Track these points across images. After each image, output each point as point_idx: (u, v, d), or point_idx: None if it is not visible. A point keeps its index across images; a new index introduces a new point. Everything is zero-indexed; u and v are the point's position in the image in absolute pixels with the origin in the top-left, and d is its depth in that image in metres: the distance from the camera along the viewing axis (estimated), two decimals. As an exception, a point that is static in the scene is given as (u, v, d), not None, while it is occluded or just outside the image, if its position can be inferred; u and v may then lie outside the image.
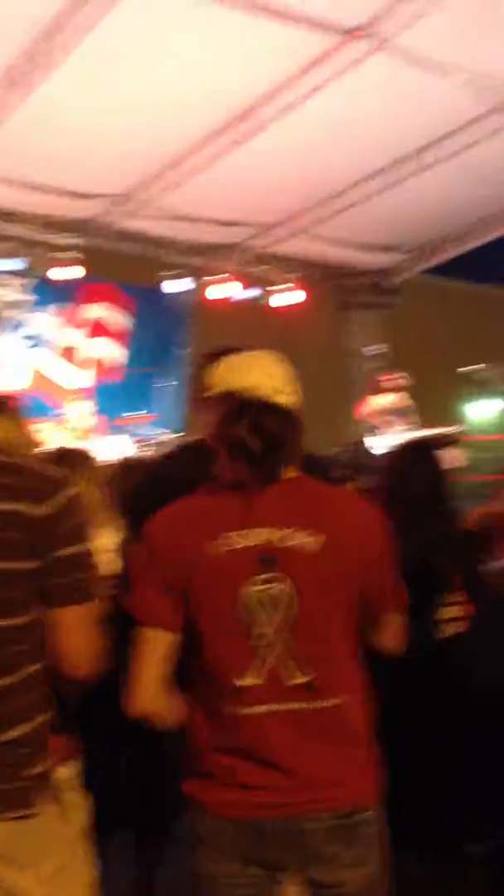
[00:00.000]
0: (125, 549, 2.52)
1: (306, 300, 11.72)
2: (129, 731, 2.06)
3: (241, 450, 1.81)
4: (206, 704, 1.83)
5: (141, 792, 2.84)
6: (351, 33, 6.59)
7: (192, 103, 7.48)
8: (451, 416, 11.92)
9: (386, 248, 11.84)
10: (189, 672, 1.85)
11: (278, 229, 10.67)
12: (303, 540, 1.78)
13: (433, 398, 10.90)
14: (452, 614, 2.75)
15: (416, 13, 6.26)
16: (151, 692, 1.80)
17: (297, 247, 11.21)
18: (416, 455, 3.03)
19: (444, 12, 6.22)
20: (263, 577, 1.76)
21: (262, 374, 1.85)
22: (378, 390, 10.18)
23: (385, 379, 10.29)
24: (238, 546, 1.77)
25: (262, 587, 1.75)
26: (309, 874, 1.84)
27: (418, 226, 11.11)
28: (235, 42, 6.62)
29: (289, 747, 1.79)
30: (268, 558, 1.76)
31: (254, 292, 11.45)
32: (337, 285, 12.62)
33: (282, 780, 1.80)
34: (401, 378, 10.25)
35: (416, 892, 2.59)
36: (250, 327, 10.96)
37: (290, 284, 11.63)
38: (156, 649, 1.80)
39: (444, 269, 12.84)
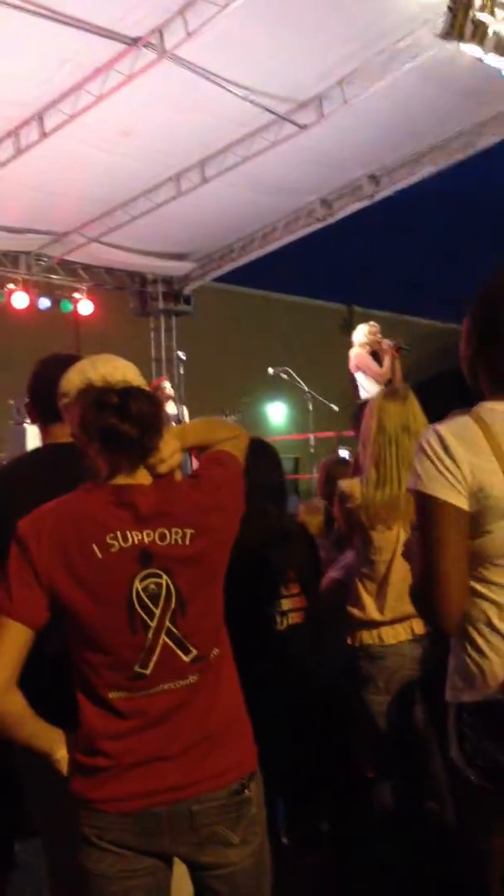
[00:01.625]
0: None
1: (106, 308, 11.86)
2: None
3: (114, 437, 1.82)
4: (98, 694, 1.86)
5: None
6: (136, 42, 6.86)
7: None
8: (246, 418, 12.37)
9: (178, 257, 12.22)
10: (79, 666, 1.88)
11: (73, 237, 10.76)
12: (175, 538, 1.86)
13: (227, 401, 11.30)
14: (289, 606, 2.94)
15: (192, 28, 6.61)
16: (2, 683, 1.81)
17: (93, 255, 11.35)
18: (258, 451, 3.20)
19: (218, 31, 6.59)
20: (144, 573, 1.83)
21: (111, 367, 1.95)
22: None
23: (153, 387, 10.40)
24: (118, 548, 1.83)
25: (143, 583, 1.83)
26: (199, 857, 1.89)
27: (206, 235, 11.55)
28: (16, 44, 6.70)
29: (179, 726, 1.87)
30: (145, 557, 1.84)
31: (48, 301, 11.45)
32: (134, 293, 12.87)
33: (171, 764, 1.85)
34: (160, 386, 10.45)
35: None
36: (47, 336, 10.99)
37: (87, 292, 11.75)
38: (15, 643, 1.82)
39: (233, 277, 13.36)
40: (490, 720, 1.85)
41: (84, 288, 11.87)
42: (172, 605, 1.86)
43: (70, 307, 11.70)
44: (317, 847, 3.06)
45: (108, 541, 1.83)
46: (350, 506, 3.03)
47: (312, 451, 9.80)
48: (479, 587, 1.88)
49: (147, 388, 1.96)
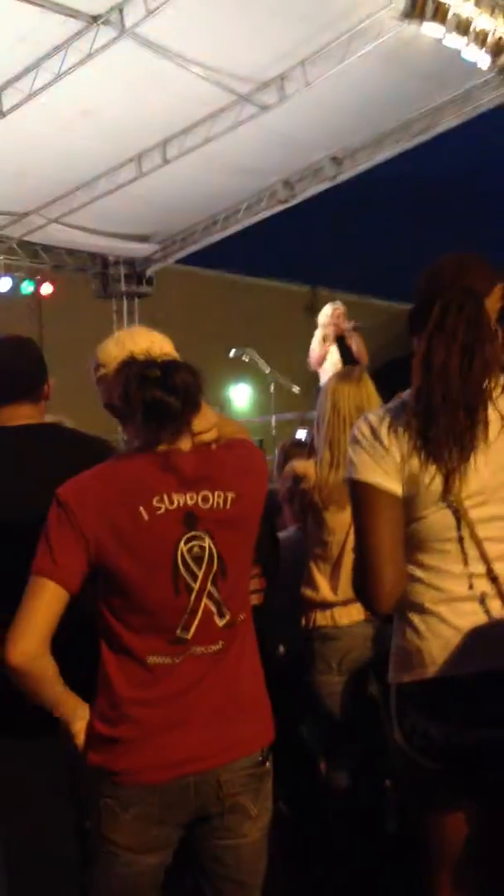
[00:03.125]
0: None
1: (67, 289, 11.74)
2: None
3: (157, 409, 1.84)
4: (136, 658, 1.86)
5: None
6: (95, 20, 6.76)
7: None
8: (209, 401, 12.34)
9: (139, 238, 12.11)
10: (116, 630, 1.88)
11: (33, 218, 10.62)
12: (217, 501, 1.90)
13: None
14: (251, 588, 2.96)
15: (152, 6, 6.53)
16: (37, 644, 1.81)
17: (54, 236, 11.18)
18: None
19: (178, 9, 6.51)
20: (188, 535, 1.86)
21: (149, 341, 1.97)
22: None
23: None
24: (164, 510, 1.85)
25: (188, 545, 1.86)
26: (218, 827, 1.90)
27: (168, 217, 11.44)
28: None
29: (206, 692, 1.87)
30: (190, 519, 1.87)
31: (9, 282, 11.30)
32: (96, 274, 12.74)
33: (197, 730, 1.86)
34: None
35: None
36: (9, 318, 10.87)
37: (48, 273, 11.63)
38: (52, 604, 1.83)
39: (196, 259, 13.29)
40: (426, 699, 1.89)
41: (45, 269, 11.73)
42: (214, 568, 1.89)
43: (31, 289, 11.56)
44: (273, 826, 3.08)
45: (155, 503, 1.86)
46: (304, 487, 3.05)
47: (274, 433, 9.82)
48: (416, 571, 1.91)
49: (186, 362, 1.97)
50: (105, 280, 12.72)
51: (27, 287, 11.50)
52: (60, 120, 8.16)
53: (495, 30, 7.28)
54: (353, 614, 3.00)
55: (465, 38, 7.23)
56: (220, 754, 1.88)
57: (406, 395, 1.96)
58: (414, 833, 2.15)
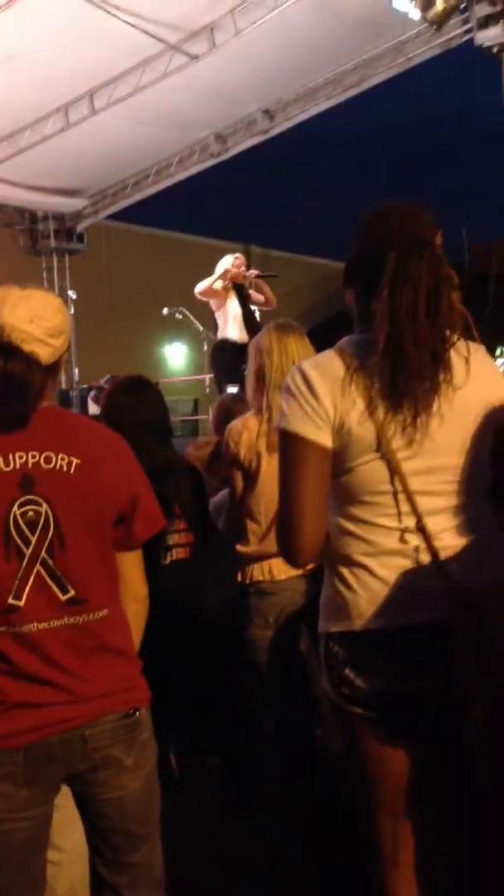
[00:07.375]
0: None
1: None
2: None
3: None
4: None
5: None
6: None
7: None
8: (143, 360, 12.20)
9: (69, 193, 11.82)
10: None
11: (-45, 170, 10.28)
12: (59, 463, 1.84)
13: (123, 342, 11.06)
14: (174, 541, 2.94)
15: None
16: None
17: (-22, 190, 10.88)
18: (139, 388, 3.14)
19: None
20: (23, 499, 1.81)
21: (26, 318, 1.84)
22: None
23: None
24: (0, 471, 1.80)
25: (22, 510, 1.81)
26: (93, 782, 1.88)
27: (98, 170, 11.19)
28: None
29: (62, 662, 1.83)
30: (27, 482, 1.82)
31: None
32: (25, 230, 12.42)
33: (59, 694, 1.82)
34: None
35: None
36: None
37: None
38: None
39: (128, 215, 13.04)
40: (353, 651, 1.89)
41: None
42: (50, 535, 1.83)
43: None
44: (207, 780, 3.09)
45: None
46: (247, 436, 2.99)
47: (208, 391, 9.74)
48: (347, 525, 1.90)
49: (45, 353, 1.88)
50: (34, 236, 12.43)
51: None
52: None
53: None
54: (290, 568, 2.98)
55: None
56: (81, 717, 1.85)
57: (344, 342, 1.93)
58: (349, 781, 2.16)
